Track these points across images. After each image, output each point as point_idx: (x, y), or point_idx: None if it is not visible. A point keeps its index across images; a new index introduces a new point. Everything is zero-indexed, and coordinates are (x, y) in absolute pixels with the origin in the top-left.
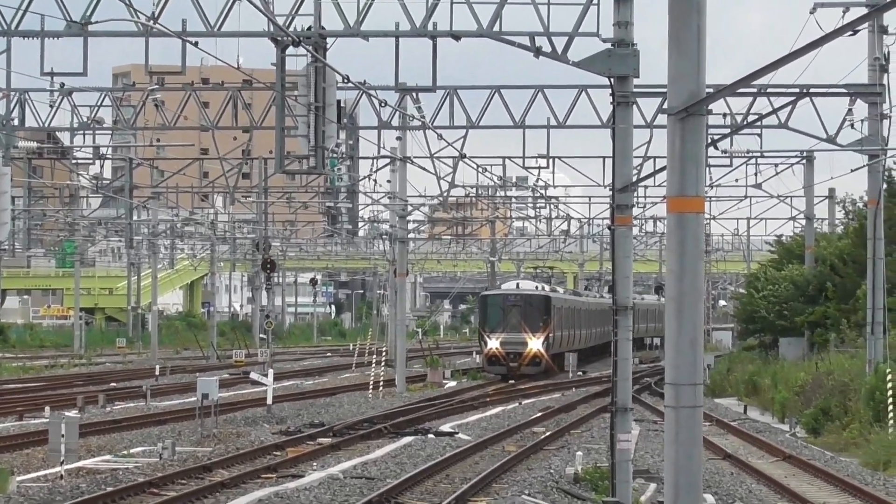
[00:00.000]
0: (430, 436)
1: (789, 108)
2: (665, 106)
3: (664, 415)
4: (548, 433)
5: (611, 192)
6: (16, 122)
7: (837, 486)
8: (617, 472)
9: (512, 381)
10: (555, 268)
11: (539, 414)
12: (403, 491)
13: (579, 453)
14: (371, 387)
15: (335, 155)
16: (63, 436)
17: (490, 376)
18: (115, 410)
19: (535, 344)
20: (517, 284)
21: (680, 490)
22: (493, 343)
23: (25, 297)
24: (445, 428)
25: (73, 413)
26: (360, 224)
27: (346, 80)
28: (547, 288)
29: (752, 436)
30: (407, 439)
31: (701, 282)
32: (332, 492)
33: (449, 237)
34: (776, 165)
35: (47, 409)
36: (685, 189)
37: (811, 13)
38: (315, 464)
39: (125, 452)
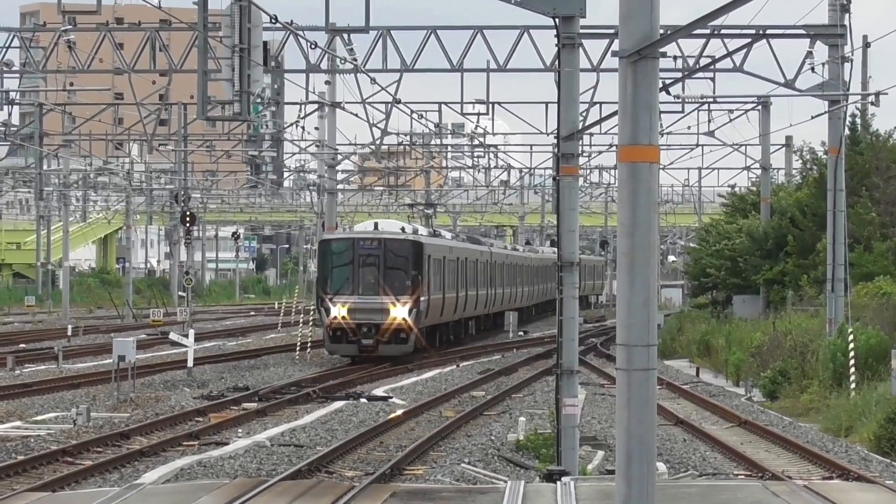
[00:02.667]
0: (363, 400)
1: (745, 50)
2: (614, 48)
3: (616, 378)
4: (488, 397)
5: (555, 140)
6: None
7: (797, 453)
8: (562, 438)
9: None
10: (436, 205)
11: (478, 377)
12: (335, 459)
13: (522, 419)
14: (298, 348)
15: (260, 100)
16: None
17: (334, 359)
18: (24, 373)
19: (399, 311)
20: (375, 224)
21: (632, 458)
22: (339, 311)
23: None
24: (378, 392)
25: None
26: (286, 174)
27: (273, 21)
28: (423, 231)
29: (706, 400)
30: (337, 404)
31: (654, 236)
32: (258, 460)
33: (381, 188)
34: (730, 112)
35: None
36: (638, 137)
37: None
38: (240, 430)
39: (36, 418)
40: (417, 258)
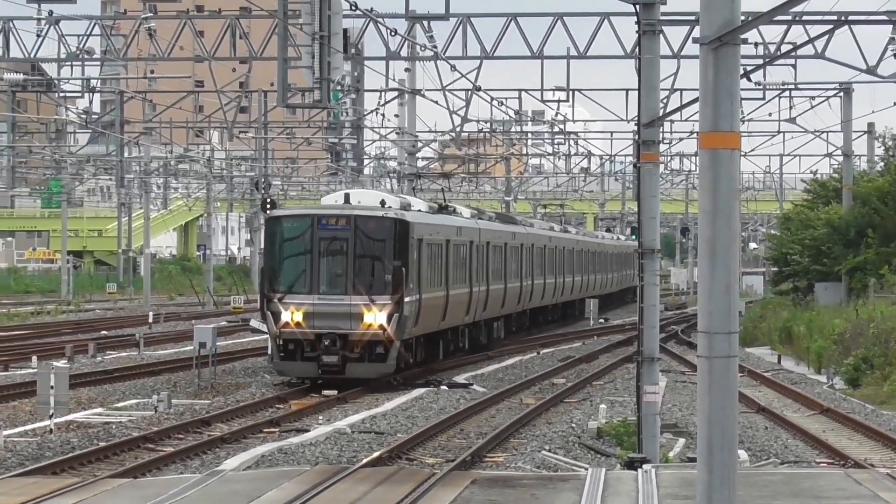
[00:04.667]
0: (443, 387)
1: (826, 36)
2: (694, 35)
3: (697, 365)
4: (568, 385)
5: (635, 127)
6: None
7: (879, 440)
8: (643, 426)
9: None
10: (452, 174)
11: (559, 364)
12: (415, 446)
13: (602, 406)
14: None
15: (340, 87)
16: (52, 387)
17: (285, 380)
18: (106, 360)
19: (375, 317)
20: (346, 196)
21: (713, 445)
22: (291, 316)
23: (9, 239)
24: (459, 379)
25: (61, 363)
26: (366, 161)
27: (353, 8)
28: (420, 206)
29: (787, 387)
30: (418, 391)
31: (736, 223)
32: (339, 447)
33: (461, 175)
34: (812, 98)
35: (34, 358)
36: (719, 124)
37: None
38: (320, 417)
39: (118, 405)
40: (401, 242)
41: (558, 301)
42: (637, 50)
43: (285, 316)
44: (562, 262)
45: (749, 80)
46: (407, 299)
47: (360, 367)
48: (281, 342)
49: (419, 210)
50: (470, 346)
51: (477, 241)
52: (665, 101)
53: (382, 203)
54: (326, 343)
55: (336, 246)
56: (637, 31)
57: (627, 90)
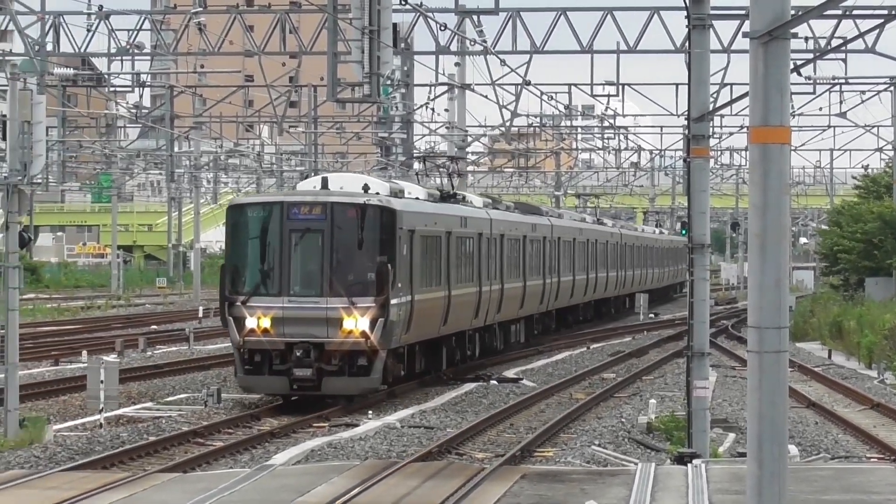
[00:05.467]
0: (493, 382)
1: (877, 30)
2: (745, 29)
3: (747, 360)
4: (618, 379)
5: (685, 122)
6: (50, 48)
7: None
8: (693, 421)
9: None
10: (459, 158)
11: (609, 359)
12: (465, 441)
13: (652, 401)
14: None
15: (390, 82)
16: (102, 382)
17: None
18: (156, 355)
19: (356, 323)
20: (324, 181)
21: (763, 440)
22: (257, 322)
23: (59, 233)
24: (509, 374)
25: (111, 357)
26: (416, 155)
27: (402, 2)
28: (416, 192)
29: (838, 382)
30: (468, 386)
31: (786, 218)
32: (388, 442)
33: (511, 170)
34: (862, 93)
35: (84, 353)
36: (769, 118)
37: None
38: (370, 412)
39: (168, 400)
40: (388, 234)
41: (590, 299)
42: (687, 44)
43: (250, 322)
44: (594, 257)
45: (799, 74)
46: (394, 301)
47: (338, 382)
48: (245, 353)
49: (415, 198)
50: (481, 352)
51: (487, 233)
52: (715, 95)
53: (366, 188)
54: (299, 354)
55: (309, 239)
56: (687, 26)
57: (677, 84)
